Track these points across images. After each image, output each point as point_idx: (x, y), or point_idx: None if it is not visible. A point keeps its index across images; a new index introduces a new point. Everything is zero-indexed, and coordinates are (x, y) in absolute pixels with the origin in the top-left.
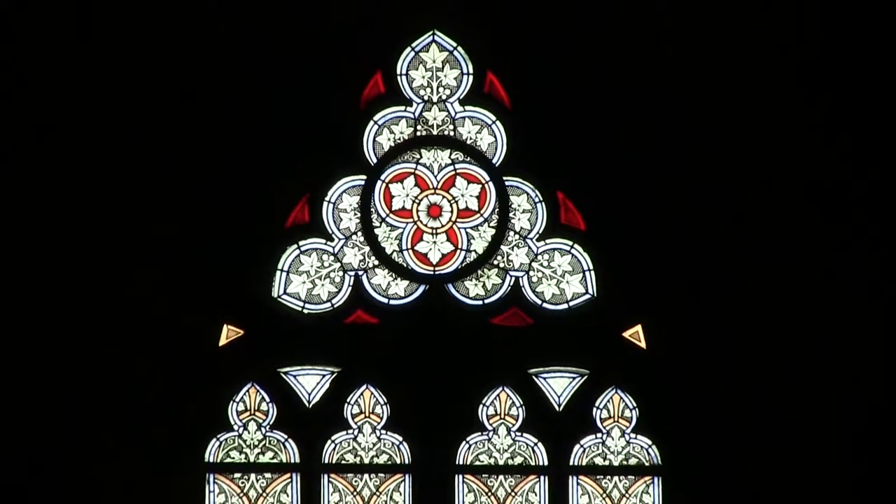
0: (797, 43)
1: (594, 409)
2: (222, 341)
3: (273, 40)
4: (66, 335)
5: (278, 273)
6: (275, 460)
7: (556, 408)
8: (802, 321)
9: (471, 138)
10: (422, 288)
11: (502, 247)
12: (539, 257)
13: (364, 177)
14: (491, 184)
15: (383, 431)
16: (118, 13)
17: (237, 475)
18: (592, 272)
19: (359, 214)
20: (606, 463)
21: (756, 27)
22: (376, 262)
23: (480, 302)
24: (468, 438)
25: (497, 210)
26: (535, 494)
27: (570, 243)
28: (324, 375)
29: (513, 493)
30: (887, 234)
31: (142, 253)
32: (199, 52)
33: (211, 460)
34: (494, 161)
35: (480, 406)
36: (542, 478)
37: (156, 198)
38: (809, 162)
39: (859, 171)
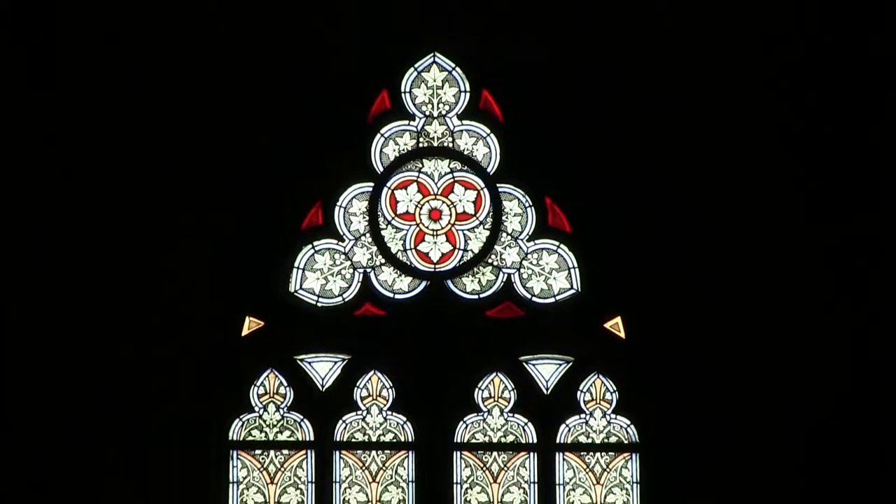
0: (783, 50)
1: (578, 393)
2: (244, 332)
3: (292, 63)
4: (108, 327)
5: (295, 270)
6: (291, 438)
7: (544, 391)
8: (767, 313)
9: (467, 149)
10: (424, 284)
11: (496, 247)
12: (529, 256)
13: (372, 184)
14: (486, 190)
15: (389, 412)
16: (151, 27)
17: (258, 452)
18: (577, 269)
19: (367, 218)
20: (589, 441)
21: (742, 40)
22: (383, 261)
23: (476, 296)
24: (465, 419)
25: (491, 214)
26: (526, 469)
27: (557, 243)
28: (336, 362)
29: (505, 468)
30: (855, 236)
31: (172, 251)
32: (235, 76)
33: (234, 438)
34: (489, 170)
35: (476, 389)
36: (531, 454)
37: (186, 204)
38: (778, 166)
39: (832, 171)
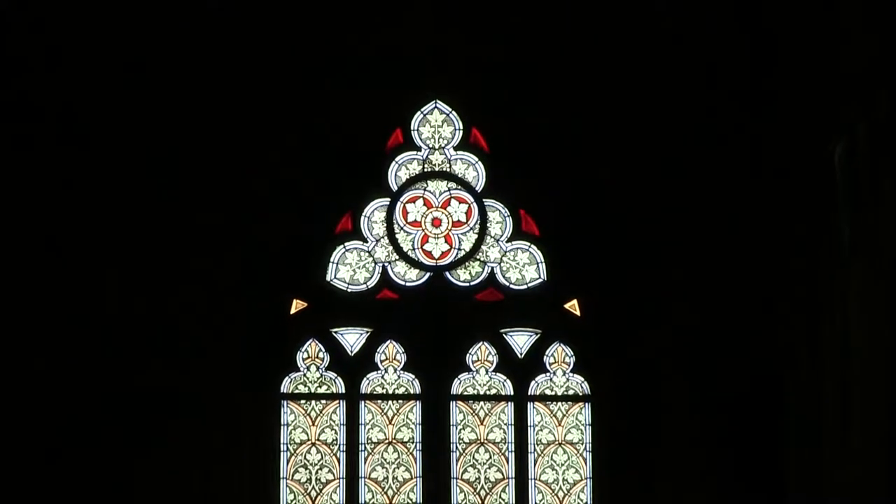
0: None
1: (544, 357)
2: (293, 311)
3: (332, 110)
4: (193, 309)
5: (331, 265)
6: (328, 391)
7: (519, 356)
8: (689, 295)
9: (461, 173)
10: (428, 274)
11: (482, 246)
12: (507, 254)
13: (388, 199)
14: (475, 204)
15: (402, 372)
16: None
17: (302, 402)
18: (543, 264)
19: (385, 224)
20: (553, 393)
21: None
22: (397, 257)
23: (467, 284)
24: (459, 376)
25: (479, 221)
26: (505, 414)
27: (528, 244)
28: (361, 333)
29: (489, 414)
30: (765, 241)
31: (241, 253)
32: (295, 122)
33: (284, 391)
34: (477, 188)
35: (467, 354)
36: (509, 403)
37: (250, 216)
38: (710, 177)
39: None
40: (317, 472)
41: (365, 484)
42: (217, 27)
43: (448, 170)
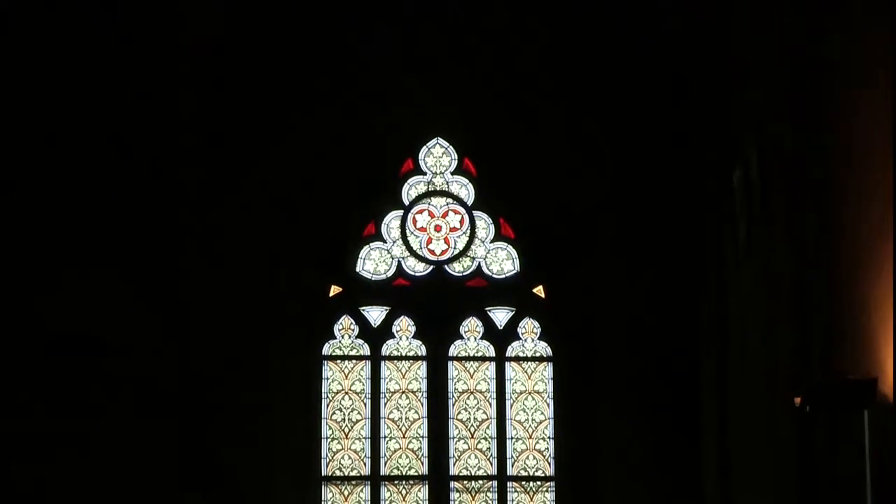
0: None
1: (518, 328)
2: (331, 294)
3: (359, 143)
4: (257, 302)
5: (359, 259)
6: (357, 354)
7: (499, 327)
8: (625, 287)
9: (456, 191)
10: (431, 267)
11: (472, 246)
12: (490, 251)
13: (402, 211)
14: (466, 214)
15: (412, 339)
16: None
17: (338, 362)
18: (517, 259)
19: (400, 229)
20: (525, 355)
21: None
22: (408, 254)
23: (461, 274)
24: (455, 343)
25: (469, 227)
26: (489, 371)
27: (506, 244)
28: (382, 311)
29: (477, 370)
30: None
31: (290, 251)
32: (333, 155)
33: (325, 354)
34: (468, 202)
35: (460, 326)
36: (492, 363)
37: (297, 225)
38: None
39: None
40: (349, 414)
41: (385, 422)
42: (264, 63)
43: (446, 189)
